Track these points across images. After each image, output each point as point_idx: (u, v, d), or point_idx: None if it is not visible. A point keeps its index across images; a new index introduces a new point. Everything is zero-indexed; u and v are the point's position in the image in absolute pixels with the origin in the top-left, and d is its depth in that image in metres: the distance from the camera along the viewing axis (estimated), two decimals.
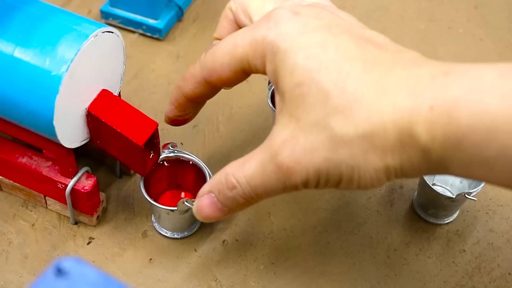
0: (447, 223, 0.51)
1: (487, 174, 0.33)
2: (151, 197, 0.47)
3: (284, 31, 0.38)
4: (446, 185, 0.52)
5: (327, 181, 0.37)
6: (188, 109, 0.46)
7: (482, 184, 0.48)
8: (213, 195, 0.40)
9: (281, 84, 0.37)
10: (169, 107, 0.46)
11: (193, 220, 0.48)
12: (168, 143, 0.49)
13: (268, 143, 0.38)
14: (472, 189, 0.47)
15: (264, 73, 0.39)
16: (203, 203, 0.41)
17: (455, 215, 0.51)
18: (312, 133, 0.36)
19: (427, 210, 0.50)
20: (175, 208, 0.45)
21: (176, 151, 0.49)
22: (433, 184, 0.52)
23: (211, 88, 0.43)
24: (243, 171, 0.39)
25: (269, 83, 0.54)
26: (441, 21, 0.67)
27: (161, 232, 0.49)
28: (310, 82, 0.36)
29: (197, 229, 0.50)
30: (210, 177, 0.48)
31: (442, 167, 0.34)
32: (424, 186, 0.49)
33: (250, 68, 0.40)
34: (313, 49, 0.37)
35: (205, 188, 0.41)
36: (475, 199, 0.47)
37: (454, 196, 0.47)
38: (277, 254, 0.49)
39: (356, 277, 0.48)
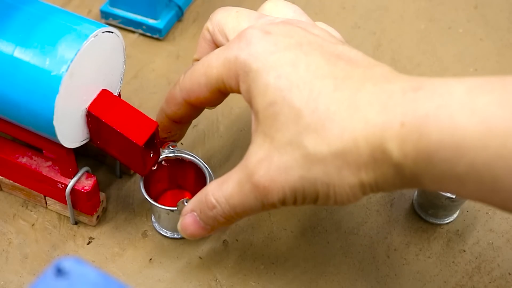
0: (447, 223, 0.51)
1: (459, 189, 0.34)
2: (151, 197, 0.47)
3: (255, 51, 0.38)
4: None
5: (304, 199, 0.37)
6: (173, 130, 0.47)
7: None
8: (195, 214, 0.41)
9: (255, 104, 0.38)
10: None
11: None
12: (168, 143, 0.49)
13: (244, 163, 0.38)
14: None
15: (239, 92, 0.40)
16: (187, 221, 0.42)
17: (455, 215, 0.51)
18: (286, 152, 0.36)
19: (427, 210, 0.50)
20: (175, 208, 0.45)
21: (176, 151, 0.49)
22: None
23: (192, 108, 0.44)
24: (222, 190, 0.39)
25: None
26: (441, 21, 0.67)
27: (161, 232, 0.49)
28: (282, 101, 0.36)
29: None
30: (210, 176, 0.48)
31: (416, 182, 0.35)
32: None
33: (225, 88, 0.40)
34: (284, 68, 0.37)
35: (188, 207, 0.42)
36: None
37: (454, 196, 0.47)
38: (277, 254, 0.49)
39: (356, 277, 0.48)
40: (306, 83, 0.36)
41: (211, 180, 0.48)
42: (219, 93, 0.41)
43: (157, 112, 0.46)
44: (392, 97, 0.35)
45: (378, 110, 0.35)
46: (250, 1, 0.68)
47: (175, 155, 0.49)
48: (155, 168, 0.48)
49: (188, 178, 0.50)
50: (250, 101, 0.39)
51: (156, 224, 0.49)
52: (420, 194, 0.51)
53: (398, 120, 0.34)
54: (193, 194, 0.49)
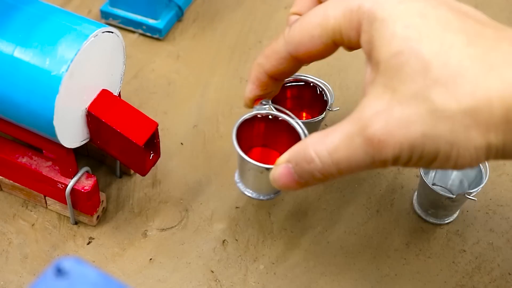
0: (447, 223, 0.51)
1: None
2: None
3: (381, 0, 0.36)
4: (446, 185, 0.52)
5: (421, 158, 0.35)
6: (269, 87, 0.44)
7: (482, 184, 0.48)
8: (291, 165, 0.38)
9: (376, 54, 0.36)
10: (250, 86, 0.44)
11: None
12: (261, 99, 0.45)
13: (356, 115, 0.36)
14: (472, 189, 0.47)
15: (356, 45, 0.38)
16: (280, 171, 0.39)
17: (455, 215, 0.51)
18: (410, 105, 0.34)
19: (427, 210, 0.50)
20: (271, 166, 0.41)
21: (268, 108, 0.45)
22: (433, 184, 0.52)
23: (296, 63, 0.42)
24: (325, 144, 0.36)
25: None
26: None
27: (245, 192, 0.45)
28: (409, 52, 0.34)
29: (198, 229, 0.50)
30: (305, 136, 0.44)
31: None
32: (424, 186, 0.49)
33: (342, 39, 0.38)
34: (413, 19, 0.35)
35: (284, 157, 0.39)
36: (475, 199, 0.47)
37: (454, 196, 0.47)
38: (277, 254, 0.49)
39: (356, 277, 0.48)
40: (436, 35, 0.35)
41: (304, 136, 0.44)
42: (333, 45, 0.40)
43: (252, 67, 0.43)
44: None
45: None
46: (249, 2, 0.68)
47: (267, 112, 0.45)
48: (245, 124, 0.45)
49: (279, 137, 0.47)
50: (370, 52, 0.37)
51: (240, 184, 0.46)
52: (420, 194, 0.51)
53: None
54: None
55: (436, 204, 0.49)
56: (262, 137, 0.47)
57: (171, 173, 0.53)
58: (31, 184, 0.49)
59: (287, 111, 0.45)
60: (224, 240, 0.49)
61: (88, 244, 0.49)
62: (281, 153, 0.44)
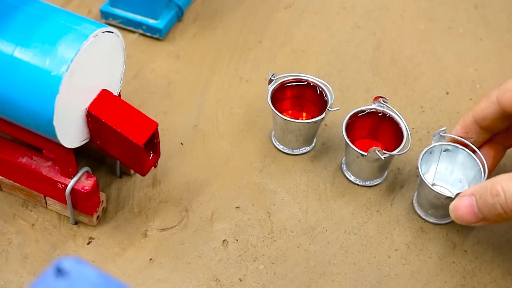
0: (447, 223, 0.51)
1: None
2: (351, 142, 0.50)
3: None
4: (446, 185, 0.52)
5: None
6: (471, 132, 0.48)
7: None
8: (473, 198, 0.41)
9: None
10: (456, 126, 0.49)
11: (379, 173, 0.52)
12: (381, 97, 0.52)
13: None
14: None
15: None
16: (462, 203, 0.42)
17: None
18: None
19: (427, 210, 0.50)
20: (366, 153, 0.48)
21: (385, 107, 0.52)
22: (433, 184, 0.52)
23: (501, 113, 0.45)
24: None
25: (269, 83, 0.54)
26: (441, 21, 0.67)
27: (347, 175, 0.53)
28: None
29: (198, 229, 0.50)
30: (408, 136, 0.50)
31: None
32: (423, 186, 0.49)
33: None
34: None
35: (468, 190, 0.42)
36: None
37: (453, 196, 0.47)
38: (277, 254, 0.49)
39: (356, 277, 0.48)
40: None
41: (407, 138, 0.51)
42: None
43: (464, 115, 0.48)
44: None
45: None
46: (249, 2, 0.68)
47: (382, 110, 0.52)
48: (359, 116, 0.52)
49: (387, 133, 0.53)
50: None
51: (344, 166, 0.53)
52: (420, 194, 0.51)
53: None
54: (386, 148, 0.53)
55: (436, 204, 0.49)
56: (374, 130, 0.54)
57: (171, 173, 0.53)
58: (31, 184, 0.49)
59: (398, 113, 0.52)
60: (224, 240, 0.49)
61: (88, 244, 0.49)
62: (385, 148, 0.53)
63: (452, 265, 0.49)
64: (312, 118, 0.54)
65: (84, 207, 0.48)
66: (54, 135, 0.43)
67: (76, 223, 0.50)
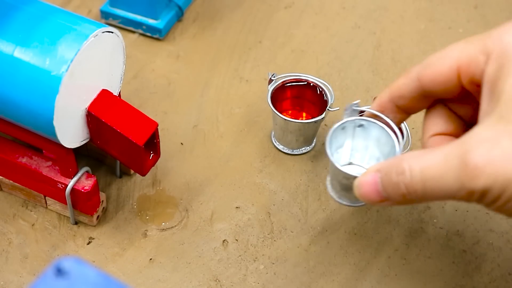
0: (362, 205, 0.46)
1: None
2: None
3: None
4: (363, 163, 0.48)
5: (510, 199, 0.33)
6: (387, 111, 0.44)
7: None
8: (379, 175, 0.38)
9: (501, 84, 0.35)
10: (372, 103, 0.44)
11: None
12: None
13: (462, 139, 0.34)
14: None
15: (476, 78, 0.37)
16: (366, 179, 0.39)
17: None
18: None
19: (339, 192, 0.46)
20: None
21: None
22: (350, 163, 0.48)
23: (420, 91, 0.41)
24: (421, 160, 0.36)
25: (269, 83, 0.54)
26: (441, 21, 0.67)
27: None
28: None
29: (198, 229, 0.50)
30: (408, 134, 0.45)
31: None
32: (332, 166, 0.44)
33: (468, 65, 0.38)
34: None
35: (375, 166, 0.39)
36: None
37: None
38: (277, 254, 0.49)
39: (356, 277, 0.48)
40: None
41: (407, 138, 0.46)
42: (457, 76, 0.39)
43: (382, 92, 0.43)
44: None
45: None
46: (249, 2, 0.68)
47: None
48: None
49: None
50: (494, 82, 0.35)
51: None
52: (331, 175, 0.46)
53: None
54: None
55: (346, 185, 0.44)
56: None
57: (171, 173, 0.53)
58: (31, 184, 0.49)
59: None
60: (224, 240, 0.49)
61: (88, 244, 0.49)
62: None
63: (452, 265, 0.49)
64: (312, 118, 0.54)
65: (84, 207, 0.48)
66: (54, 135, 0.43)
67: (76, 223, 0.50)
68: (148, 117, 0.45)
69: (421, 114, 0.58)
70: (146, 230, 0.50)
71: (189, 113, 0.58)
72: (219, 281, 0.47)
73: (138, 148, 0.44)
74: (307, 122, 0.52)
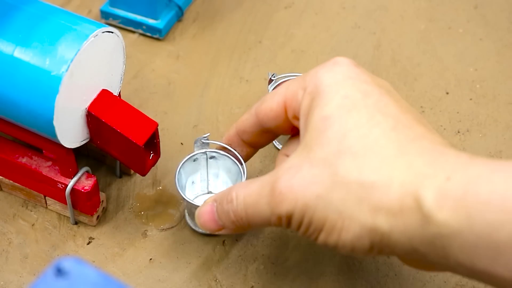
0: (217, 234, 0.48)
1: (491, 262, 0.30)
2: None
3: (337, 72, 0.38)
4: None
5: (310, 224, 0.35)
6: (234, 144, 0.47)
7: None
8: (215, 204, 0.41)
9: (311, 115, 0.37)
10: (224, 137, 0.48)
11: None
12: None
13: (277, 168, 0.38)
14: None
15: (297, 112, 0.39)
16: (204, 209, 0.41)
17: None
18: (317, 166, 0.35)
19: (194, 220, 0.49)
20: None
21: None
22: (209, 192, 0.52)
23: (259, 126, 0.44)
24: (245, 188, 0.39)
25: (269, 83, 0.54)
26: (441, 21, 0.67)
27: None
28: (337, 118, 0.36)
29: (197, 229, 0.50)
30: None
31: (439, 246, 0.32)
32: (183, 197, 0.47)
33: (291, 101, 0.40)
34: (354, 93, 0.37)
35: (212, 196, 0.42)
36: None
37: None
38: (277, 254, 0.49)
39: (356, 277, 0.48)
40: (368, 112, 0.36)
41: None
42: (285, 112, 0.41)
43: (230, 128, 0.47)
44: (445, 155, 0.33)
45: (426, 162, 0.33)
46: (249, 2, 0.68)
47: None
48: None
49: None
50: (307, 113, 0.38)
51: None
52: (185, 205, 0.50)
53: (445, 174, 0.32)
54: None
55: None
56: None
57: (171, 173, 0.53)
58: (31, 184, 0.49)
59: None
60: (224, 240, 0.49)
61: (88, 244, 0.49)
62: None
63: None
64: None
65: (84, 207, 0.48)
66: (54, 135, 0.43)
67: (76, 223, 0.50)
68: (148, 117, 0.45)
69: (421, 114, 0.58)
70: (146, 230, 0.50)
71: (189, 113, 0.58)
72: (219, 281, 0.47)
73: (138, 148, 0.44)
74: None
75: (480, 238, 0.30)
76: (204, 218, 0.41)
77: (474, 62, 0.63)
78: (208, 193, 0.51)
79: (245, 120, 0.44)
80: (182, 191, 0.46)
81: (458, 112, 0.59)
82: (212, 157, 0.49)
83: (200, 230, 0.49)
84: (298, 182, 0.35)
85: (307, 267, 0.48)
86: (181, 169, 0.48)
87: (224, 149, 0.48)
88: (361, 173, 0.34)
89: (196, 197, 0.51)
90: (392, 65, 0.63)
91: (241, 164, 0.47)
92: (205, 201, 0.42)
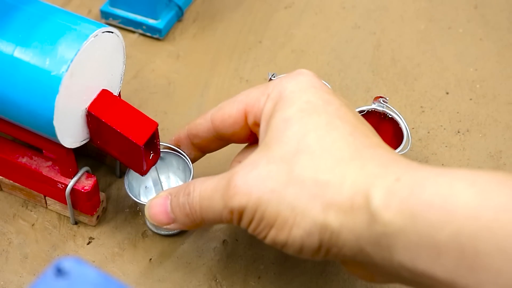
0: (177, 233, 0.49)
1: (432, 262, 0.31)
2: None
3: (300, 81, 0.39)
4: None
5: (261, 219, 0.36)
6: (184, 146, 0.48)
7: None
8: (169, 197, 0.41)
9: (272, 118, 0.38)
10: (172, 137, 0.49)
11: None
12: (381, 97, 0.51)
13: (235, 166, 0.39)
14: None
15: (258, 117, 0.40)
16: (156, 201, 0.42)
17: None
18: (274, 163, 0.36)
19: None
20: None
21: (385, 107, 0.51)
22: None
23: (214, 133, 0.45)
24: (203, 183, 0.39)
25: None
26: (441, 21, 0.67)
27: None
28: (297, 120, 0.37)
29: (197, 231, 0.50)
30: (408, 134, 0.50)
31: (384, 245, 0.32)
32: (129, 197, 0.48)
33: (253, 106, 0.41)
34: (317, 100, 0.38)
35: (167, 190, 0.42)
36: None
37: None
38: (277, 254, 0.49)
39: (356, 277, 0.48)
40: (328, 117, 0.37)
41: (407, 138, 0.50)
42: (243, 118, 0.42)
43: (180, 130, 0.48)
44: (397, 161, 0.35)
45: (378, 164, 0.34)
46: (249, 2, 0.68)
47: (382, 110, 0.51)
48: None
49: (387, 133, 0.52)
50: (269, 117, 0.39)
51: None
52: (139, 207, 0.50)
53: (395, 176, 0.33)
54: None
55: None
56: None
57: None
58: (31, 184, 0.49)
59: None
60: (224, 240, 0.49)
61: (88, 244, 0.49)
62: None
63: None
64: None
65: (84, 207, 0.48)
66: (54, 135, 0.43)
67: (76, 223, 0.50)
68: (148, 117, 0.45)
69: (421, 114, 0.58)
70: (146, 230, 0.50)
71: (189, 113, 0.58)
72: (219, 281, 0.47)
73: (138, 148, 0.44)
74: None
75: (422, 237, 0.31)
76: (155, 210, 0.42)
77: (474, 62, 0.63)
78: None
79: (199, 124, 0.45)
80: (136, 198, 0.47)
81: (458, 112, 0.59)
82: (160, 158, 0.49)
83: (162, 232, 0.49)
84: (253, 177, 0.36)
85: (307, 267, 0.48)
86: (130, 177, 0.48)
87: (170, 149, 0.48)
88: (316, 171, 0.35)
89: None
90: (392, 65, 0.63)
91: (185, 157, 0.48)
92: (158, 194, 0.42)
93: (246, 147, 0.45)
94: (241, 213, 0.37)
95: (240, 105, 0.42)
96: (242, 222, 0.37)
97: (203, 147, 0.46)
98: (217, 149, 0.47)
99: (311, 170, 0.35)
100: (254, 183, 0.36)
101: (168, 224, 0.41)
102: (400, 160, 0.35)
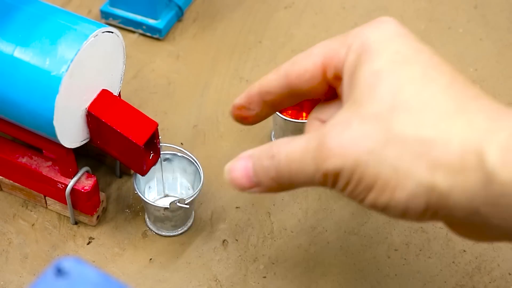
0: (181, 233, 0.50)
1: None
2: None
3: (384, 29, 0.36)
4: (176, 194, 0.52)
5: (359, 181, 0.33)
6: (254, 104, 0.43)
7: (197, 190, 0.47)
8: (251, 160, 0.38)
9: (358, 71, 0.35)
10: (241, 94, 0.44)
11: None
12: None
13: (324, 125, 0.35)
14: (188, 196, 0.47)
15: (339, 71, 0.37)
16: (237, 164, 0.38)
17: (189, 224, 0.49)
18: (369, 122, 0.33)
19: (156, 224, 0.49)
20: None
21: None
22: (166, 196, 0.52)
23: (287, 88, 0.41)
24: (288, 144, 0.36)
25: None
26: (441, 21, 0.67)
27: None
28: (389, 72, 0.34)
29: (198, 229, 0.50)
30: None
31: (503, 206, 0.30)
32: (143, 200, 0.48)
33: (331, 59, 0.38)
34: (404, 49, 0.35)
35: (248, 151, 0.38)
36: (188, 206, 0.46)
37: (169, 206, 0.47)
38: (277, 254, 0.49)
39: (356, 277, 0.48)
40: (422, 67, 0.34)
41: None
42: (322, 72, 0.39)
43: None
44: (506, 114, 0.32)
45: (486, 118, 0.31)
46: (249, 2, 0.68)
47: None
48: None
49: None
50: (353, 70, 0.36)
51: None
52: (145, 209, 0.50)
53: (509, 129, 0.30)
54: None
55: (160, 217, 0.48)
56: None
57: None
58: (31, 184, 0.49)
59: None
60: (224, 240, 0.49)
61: (88, 244, 0.49)
62: None
63: (451, 265, 0.49)
64: None
65: (84, 207, 0.48)
66: (54, 135, 0.43)
67: (76, 223, 0.50)
68: (148, 117, 0.45)
69: None
70: (146, 230, 0.50)
71: (189, 113, 0.58)
72: (219, 281, 0.47)
73: (138, 148, 0.44)
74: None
75: None
76: (236, 174, 0.38)
77: (474, 62, 0.63)
78: (165, 196, 0.51)
79: (272, 80, 0.41)
80: (140, 194, 0.47)
81: None
82: (166, 159, 0.49)
83: (163, 233, 0.49)
84: (348, 137, 0.33)
85: (307, 267, 0.48)
86: (138, 176, 0.48)
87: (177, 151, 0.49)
88: (418, 128, 0.32)
89: (154, 201, 0.51)
90: None
91: (197, 162, 0.48)
92: (237, 156, 0.39)
93: (323, 103, 0.42)
94: (336, 176, 0.34)
95: (317, 58, 0.38)
96: (338, 185, 0.34)
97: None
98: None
99: (413, 128, 0.32)
100: (350, 144, 0.33)
101: (251, 188, 0.38)
102: (509, 111, 0.32)
